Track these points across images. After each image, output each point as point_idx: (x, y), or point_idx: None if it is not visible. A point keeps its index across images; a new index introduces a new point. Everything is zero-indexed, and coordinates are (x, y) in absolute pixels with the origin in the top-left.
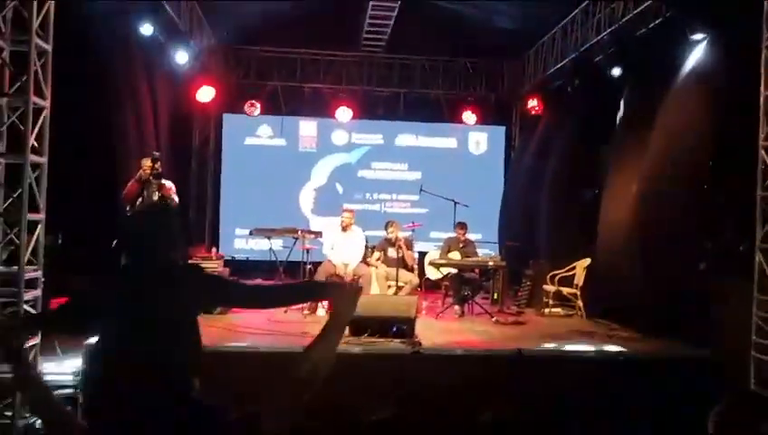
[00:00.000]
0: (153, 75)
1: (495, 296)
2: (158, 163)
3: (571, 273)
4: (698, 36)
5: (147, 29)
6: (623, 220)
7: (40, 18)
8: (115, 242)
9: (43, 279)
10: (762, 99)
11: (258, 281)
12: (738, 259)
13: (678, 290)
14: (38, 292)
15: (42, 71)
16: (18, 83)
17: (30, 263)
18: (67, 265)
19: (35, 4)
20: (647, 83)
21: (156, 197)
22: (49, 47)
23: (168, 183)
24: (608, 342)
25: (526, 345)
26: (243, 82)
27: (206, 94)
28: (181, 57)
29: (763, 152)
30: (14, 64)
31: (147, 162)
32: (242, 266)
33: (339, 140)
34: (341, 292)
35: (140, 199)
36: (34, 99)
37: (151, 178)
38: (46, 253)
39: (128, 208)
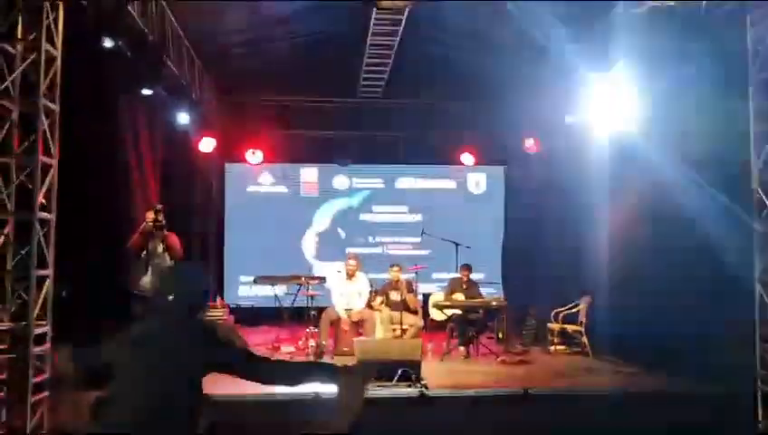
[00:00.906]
0: (156, 127)
1: (500, 336)
2: (161, 215)
3: (574, 310)
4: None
5: (149, 80)
6: (618, 255)
7: (47, 80)
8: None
9: (52, 334)
10: (751, 132)
11: (263, 328)
12: (743, 292)
13: (682, 323)
14: (47, 347)
15: (49, 130)
16: (26, 143)
17: (39, 318)
18: (73, 317)
19: (43, 66)
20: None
21: (160, 248)
22: (56, 107)
23: (171, 235)
24: (614, 379)
25: (532, 384)
26: (243, 132)
27: (207, 145)
28: (183, 117)
29: (757, 186)
30: (23, 124)
31: (150, 214)
32: (246, 314)
33: (339, 184)
34: (348, 381)
35: (145, 251)
36: (42, 158)
37: (154, 229)
38: (54, 307)
39: (134, 260)
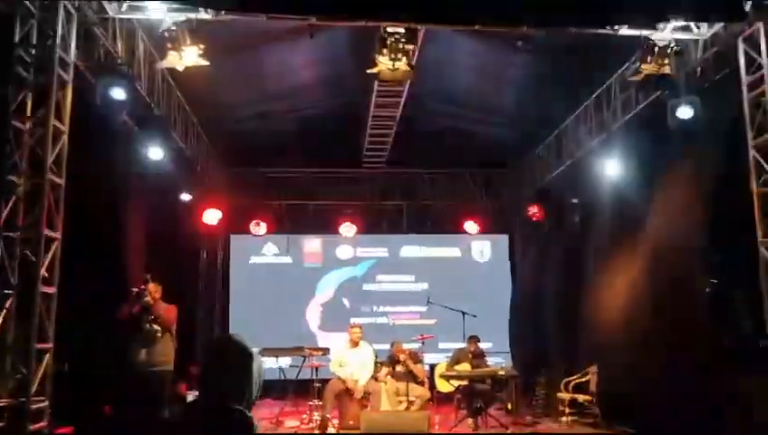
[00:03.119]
0: (160, 199)
1: (510, 407)
2: (147, 285)
3: (584, 379)
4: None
5: (156, 153)
6: (625, 321)
7: (54, 155)
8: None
9: (50, 410)
10: (755, 197)
11: (267, 401)
12: (757, 357)
13: (695, 392)
14: (44, 423)
15: (54, 204)
16: (31, 217)
17: (38, 393)
18: (73, 393)
19: (50, 142)
20: (640, 184)
21: (149, 320)
22: (62, 181)
23: (166, 306)
24: None
25: None
26: (248, 203)
27: (212, 217)
28: (187, 190)
29: (764, 250)
30: (29, 198)
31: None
32: None
33: (343, 254)
34: None
35: (138, 324)
36: (46, 231)
37: (137, 300)
38: (52, 381)
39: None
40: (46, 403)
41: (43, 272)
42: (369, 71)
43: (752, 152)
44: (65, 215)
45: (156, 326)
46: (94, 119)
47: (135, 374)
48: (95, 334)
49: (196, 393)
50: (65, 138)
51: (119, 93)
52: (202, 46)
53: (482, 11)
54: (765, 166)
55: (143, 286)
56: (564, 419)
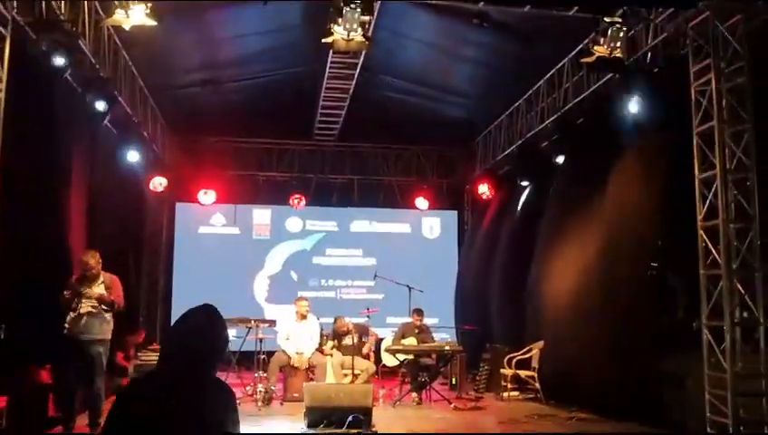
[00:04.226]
0: (105, 165)
1: (454, 382)
2: (90, 261)
3: (527, 355)
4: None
5: (101, 105)
6: (570, 301)
7: None
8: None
9: None
10: (696, 182)
11: None
12: (691, 337)
13: (633, 369)
14: None
15: None
16: None
17: None
18: (10, 359)
19: None
20: (589, 167)
21: (93, 292)
22: None
23: (110, 278)
24: (567, 425)
25: (485, 432)
26: (196, 172)
27: (158, 184)
28: (134, 155)
29: (702, 232)
30: None
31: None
32: None
33: (293, 227)
34: None
35: (77, 301)
36: None
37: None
38: None
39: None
40: None
41: None
42: (324, 40)
43: (696, 139)
44: (1, 176)
45: (104, 307)
46: (35, 77)
47: (74, 342)
48: (33, 299)
49: (137, 363)
50: (2, 95)
51: (61, 52)
52: (150, 5)
53: None
54: (708, 153)
55: (86, 264)
56: (506, 394)
